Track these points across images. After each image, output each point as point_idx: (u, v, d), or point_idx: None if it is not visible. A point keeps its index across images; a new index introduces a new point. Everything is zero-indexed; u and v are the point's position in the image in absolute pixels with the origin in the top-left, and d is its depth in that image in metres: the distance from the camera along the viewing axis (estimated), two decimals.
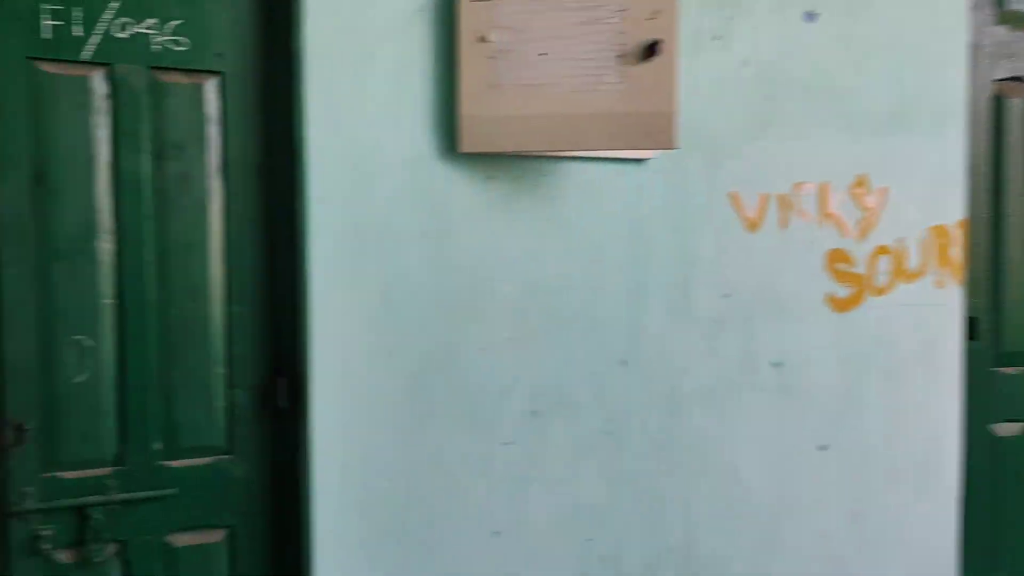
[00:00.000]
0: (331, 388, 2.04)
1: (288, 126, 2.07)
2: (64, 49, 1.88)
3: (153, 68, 1.96)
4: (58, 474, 1.90)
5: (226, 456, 2.06)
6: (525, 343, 2.19)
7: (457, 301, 2.13)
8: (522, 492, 2.20)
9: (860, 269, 2.56)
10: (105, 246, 1.94)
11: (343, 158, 2.04)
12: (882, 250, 2.59)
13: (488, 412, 2.16)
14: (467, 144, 2.07)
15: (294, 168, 2.06)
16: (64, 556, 1.91)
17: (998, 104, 2.84)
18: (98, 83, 1.92)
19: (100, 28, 1.90)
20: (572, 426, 2.24)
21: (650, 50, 2.03)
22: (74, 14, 1.88)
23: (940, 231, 2.67)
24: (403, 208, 2.09)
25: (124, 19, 1.92)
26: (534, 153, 2.13)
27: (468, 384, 2.15)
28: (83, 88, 1.91)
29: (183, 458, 2.02)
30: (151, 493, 1.97)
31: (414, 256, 2.09)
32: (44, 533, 1.87)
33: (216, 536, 2.05)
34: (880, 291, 2.59)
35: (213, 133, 2.03)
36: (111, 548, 1.95)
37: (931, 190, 2.66)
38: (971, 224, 2.76)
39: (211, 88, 2.02)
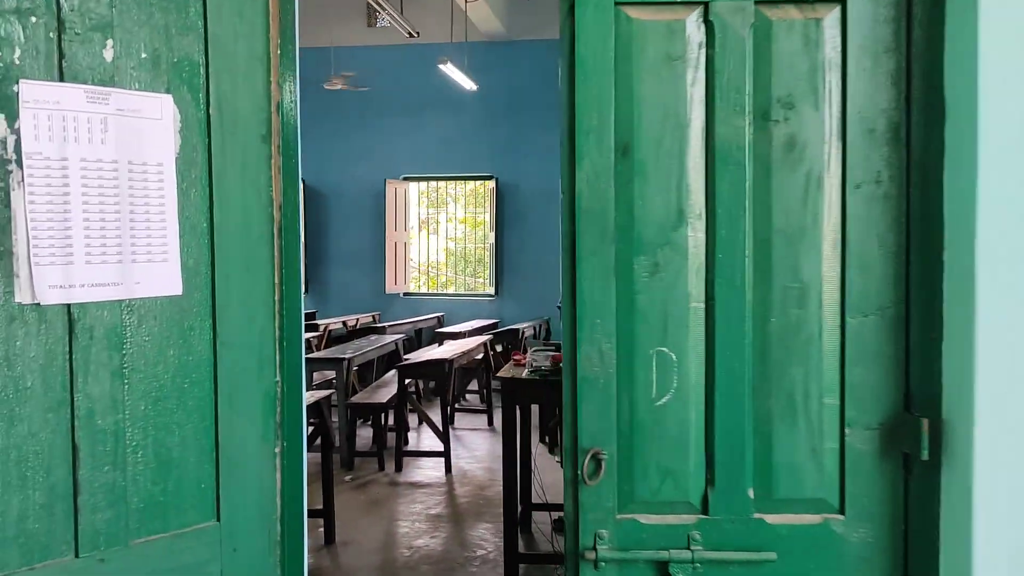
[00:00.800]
0: (999, 436, 1.40)
1: (935, 65, 1.47)
2: None
3: (759, 3, 1.50)
4: (637, 517, 1.54)
5: (837, 516, 1.54)
6: None
7: None
8: None
9: None
10: (695, 235, 1.53)
11: None
12: None
13: None
14: None
15: (943, 124, 1.46)
16: None
17: None
18: (693, 28, 1.51)
19: None
20: None
21: None
22: None
23: None
24: None
25: None
26: None
27: None
28: (676, 36, 1.52)
29: (781, 512, 1.54)
30: (744, 555, 1.52)
31: None
32: None
33: None
34: None
35: (831, 84, 1.51)
36: None
37: None
38: None
39: (830, 23, 1.51)
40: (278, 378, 1.65)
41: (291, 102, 1.65)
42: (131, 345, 1.40)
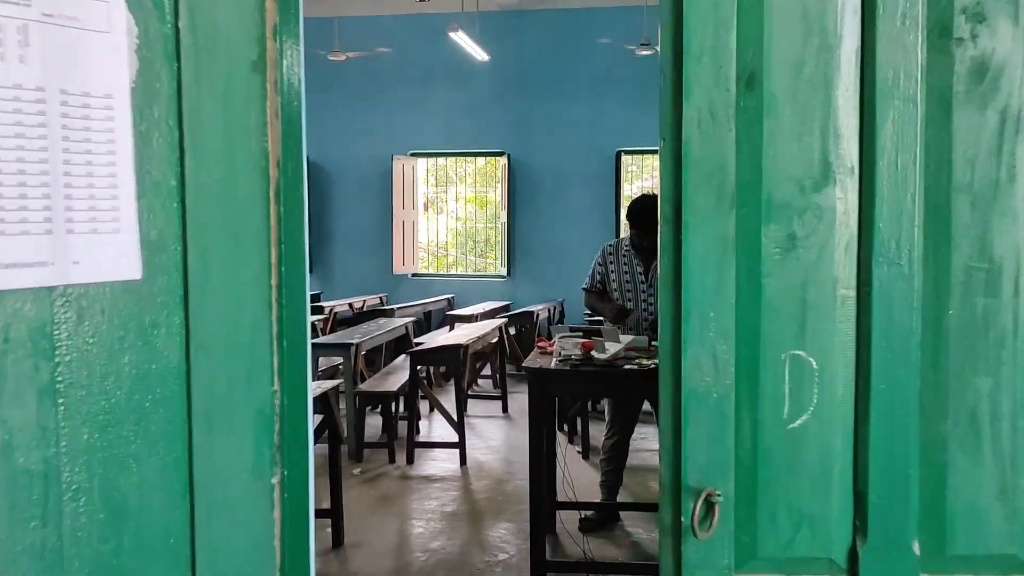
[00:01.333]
0: None
1: None
2: None
3: None
4: None
5: None
6: None
7: None
8: None
9: None
10: (845, 196, 1.12)
11: None
12: None
13: None
14: None
15: None
16: None
17: None
18: None
19: None
20: None
21: None
22: None
23: None
24: None
25: None
26: None
27: None
28: None
29: (957, 572, 1.14)
30: None
31: None
32: None
33: None
34: None
35: None
36: None
37: None
38: None
39: None
40: (276, 387, 1.25)
41: (292, 24, 1.24)
42: (67, 351, 0.99)
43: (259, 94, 1.16)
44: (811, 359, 1.12)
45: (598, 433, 5.68)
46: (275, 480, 1.26)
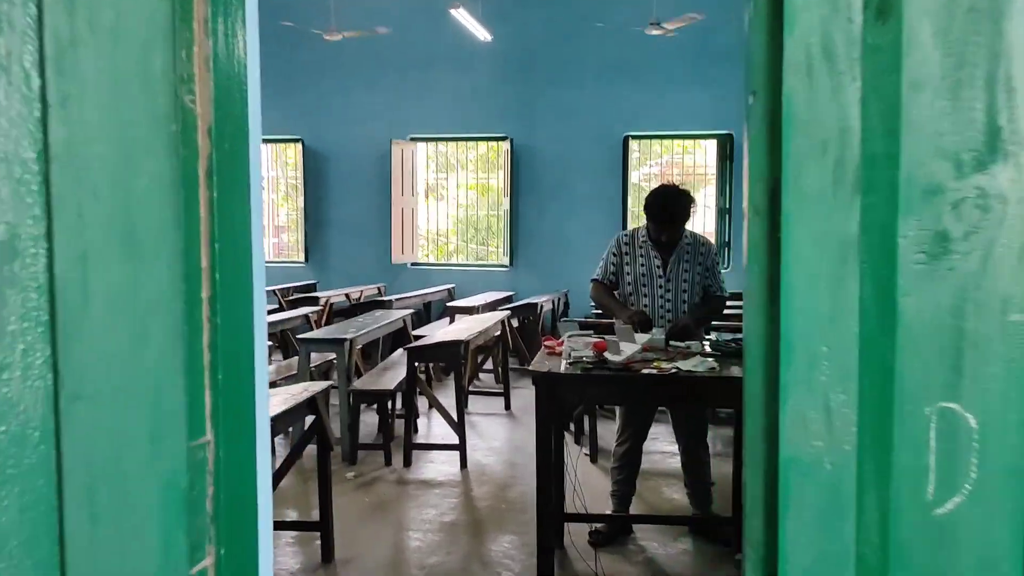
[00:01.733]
0: None
1: None
2: None
3: None
4: None
5: None
6: None
7: None
8: None
9: None
10: (1019, 178, 0.76)
11: None
12: None
13: None
14: None
15: None
16: None
17: None
18: None
19: None
20: None
21: None
22: None
23: None
24: None
25: None
26: None
27: None
28: None
29: None
30: None
31: None
32: None
33: None
34: None
35: None
36: None
37: None
38: None
39: None
40: (208, 436, 0.91)
41: None
42: None
43: (167, 28, 0.81)
44: (968, 415, 0.77)
45: (606, 432, 5.34)
46: (207, 563, 0.92)
